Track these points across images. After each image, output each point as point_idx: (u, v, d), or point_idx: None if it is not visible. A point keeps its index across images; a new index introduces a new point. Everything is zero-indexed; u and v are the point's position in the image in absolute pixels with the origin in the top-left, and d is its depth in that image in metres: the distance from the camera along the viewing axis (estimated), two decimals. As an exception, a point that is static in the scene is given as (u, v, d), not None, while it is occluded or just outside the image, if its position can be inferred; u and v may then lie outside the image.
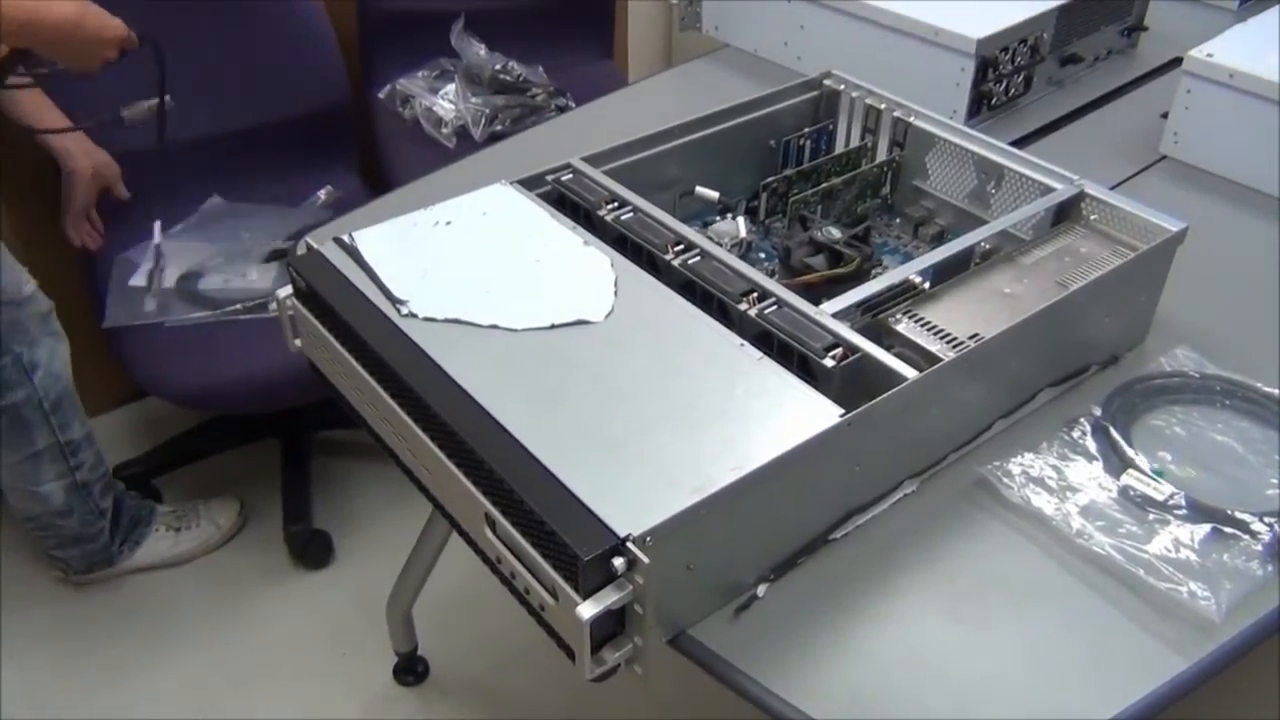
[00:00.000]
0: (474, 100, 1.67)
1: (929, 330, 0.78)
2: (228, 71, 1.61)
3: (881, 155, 1.05)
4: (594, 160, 0.94)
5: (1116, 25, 1.36)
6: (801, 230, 0.95)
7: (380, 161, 1.74)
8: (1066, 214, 0.91)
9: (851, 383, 0.72)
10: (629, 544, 0.59)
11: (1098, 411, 0.82)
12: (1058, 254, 0.87)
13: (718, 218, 1.02)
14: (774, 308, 0.77)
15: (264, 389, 1.45)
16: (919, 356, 0.77)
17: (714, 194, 1.01)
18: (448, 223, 0.86)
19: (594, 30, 1.93)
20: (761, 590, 0.70)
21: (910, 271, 0.82)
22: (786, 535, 0.71)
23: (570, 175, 0.92)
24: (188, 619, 1.58)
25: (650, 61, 2.33)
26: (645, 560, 0.59)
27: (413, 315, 0.76)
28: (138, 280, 1.53)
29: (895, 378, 0.71)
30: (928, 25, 1.19)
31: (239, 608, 1.59)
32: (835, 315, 0.76)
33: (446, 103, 1.68)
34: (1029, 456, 0.79)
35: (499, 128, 1.67)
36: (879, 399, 0.69)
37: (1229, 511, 0.73)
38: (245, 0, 1.60)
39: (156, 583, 1.62)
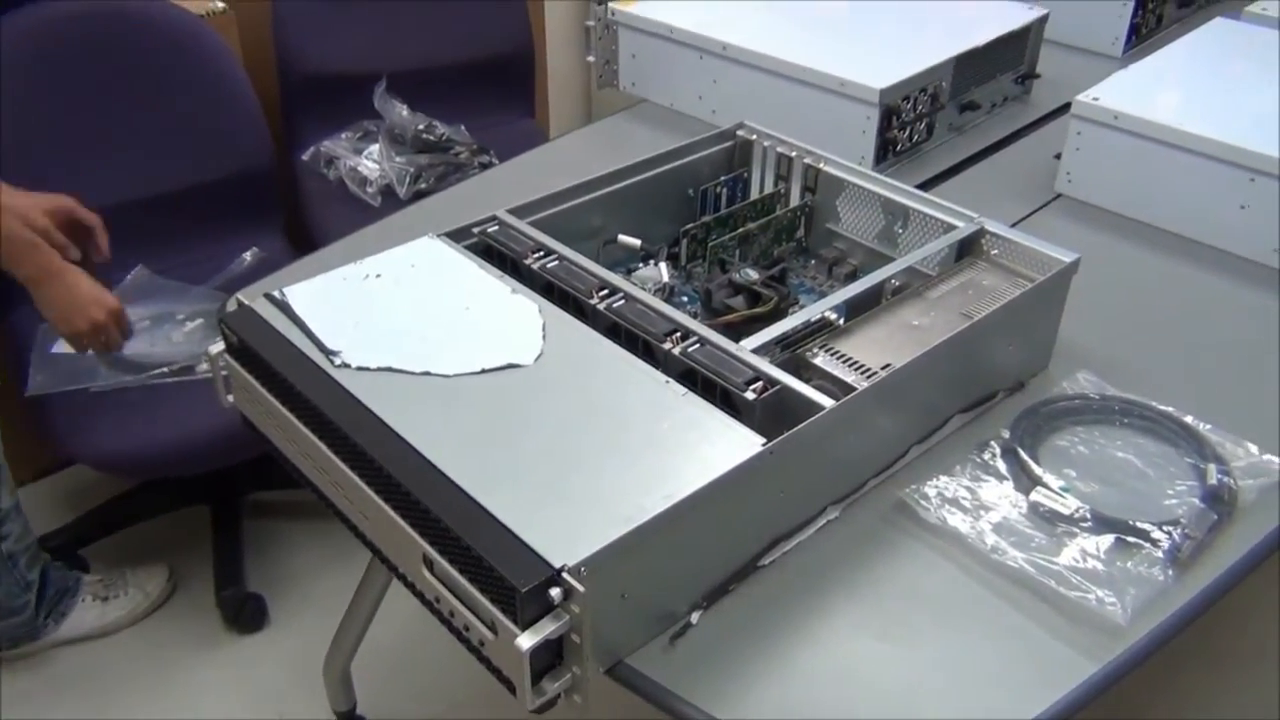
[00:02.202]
0: (398, 160, 1.69)
1: (844, 362, 0.82)
2: (150, 136, 1.62)
3: (795, 200, 1.10)
4: (519, 212, 0.97)
5: (1011, 74, 1.44)
6: (721, 273, 0.99)
7: (306, 223, 1.75)
8: (969, 250, 0.97)
9: (772, 414, 0.76)
10: (564, 574, 0.61)
11: (1006, 434, 0.86)
12: (962, 287, 0.92)
13: (640, 264, 1.05)
14: (697, 346, 0.80)
15: (193, 451, 1.45)
16: (835, 387, 0.80)
17: (636, 241, 1.05)
18: (377, 275, 0.88)
19: (515, 89, 1.98)
20: (695, 617, 0.72)
21: (824, 308, 0.86)
22: (717, 563, 0.74)
23: (496, 227, 0.95)
24: (119, 691, 1.54)
25: (571, 118, 2.38)
26: (580, 589, 0.61)
27: (346, 365, 0.78)
28: (60, 347, 1.52)
29: (813, 407, 0.74)
30: (833, 77, 1.25)
31: (172, 677, 1.56)
32: (755, 351, 0.80)
33: (370, 163, 1.70)
34: (944, 479, 0.82)
35: (423, 185, 1.70)
36: (798, 427, 0.72)
37: (1131, 522, 0.78)
38: (167, 66, 1.61)
39: (85, 654, 1.59)
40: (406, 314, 0.84)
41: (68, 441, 1.44)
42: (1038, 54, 1.46)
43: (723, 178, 1.11)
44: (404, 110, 1.79)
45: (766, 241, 1.07)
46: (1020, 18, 1.40)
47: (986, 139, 1.38)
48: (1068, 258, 0.91)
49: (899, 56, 1.28)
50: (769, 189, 1.11)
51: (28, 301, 1.37)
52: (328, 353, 0.79)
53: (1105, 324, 1.02)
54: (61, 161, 1.55)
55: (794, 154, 1.09)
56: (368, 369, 0.77)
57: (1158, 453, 0.86)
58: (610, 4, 1.46)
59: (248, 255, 1.68)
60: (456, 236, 0.94)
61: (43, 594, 1.51)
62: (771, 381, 0.76)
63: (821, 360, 0.82)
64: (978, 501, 0.81)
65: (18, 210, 1.27)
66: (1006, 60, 1.41)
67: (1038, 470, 0.82)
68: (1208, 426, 0.88)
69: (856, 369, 0.81)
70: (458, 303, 0.85)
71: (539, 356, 0.79)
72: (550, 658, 0.65)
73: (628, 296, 0.85)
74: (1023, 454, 0.84)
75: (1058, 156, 1.24)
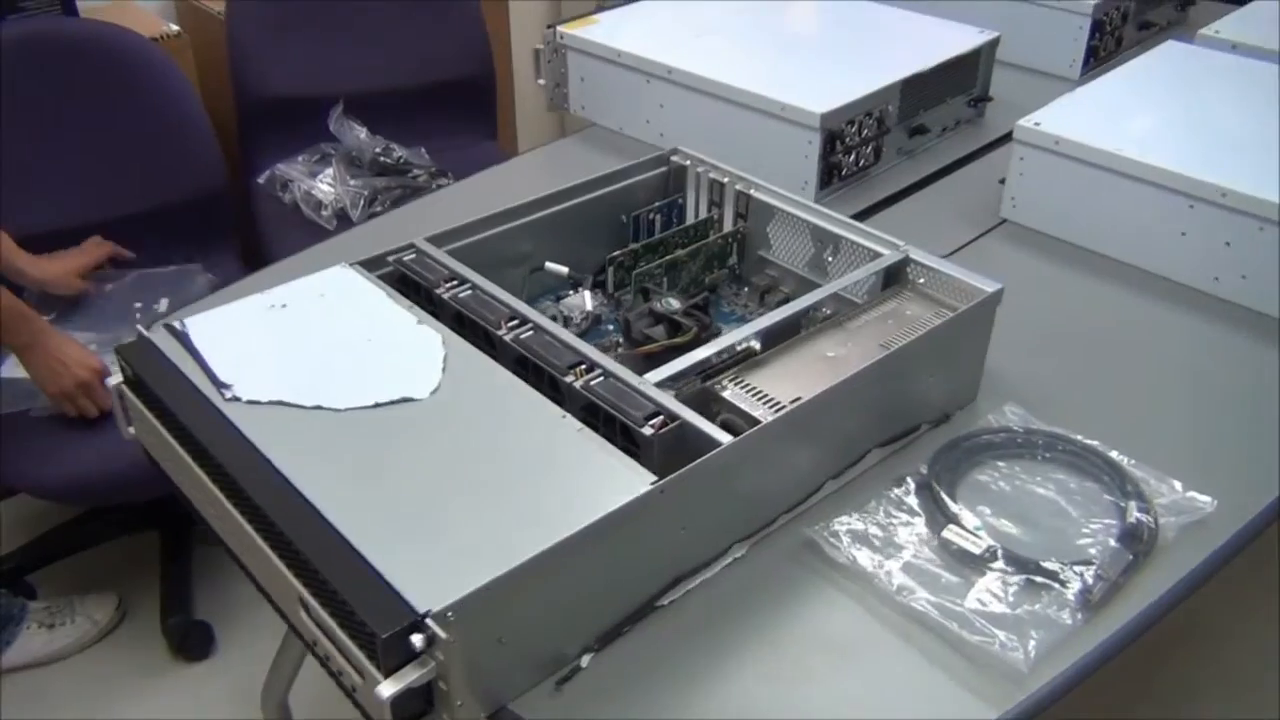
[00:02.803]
0: (353, 182, 1.68)
1: (754, 395, 0.80)
2: (102, 160, 1.61)
3: (728, 226, 1.08)
4: (439, 239, 0.95)
5: (963, 97, 1.42)
6: (644, 302, 0.97)
7: (261, 246, 1.74)
8: (895, 279, 0.95)
9: (673, 450, 0.74)
10: (428, 620, 0.59)
11: (924, 470, 0.84)
12: (883, 317, 0.90)
13: (570, 292, 1.04)
14: (600, 379, 0.78)
15: (137, 478, 1.42)
16: (744, 421, 0.78)
17: (563, 269, 1.03)
18: (283, 306, 0.86)
19: (477, 112, 1.97)
20: (585, 660, 0.70)
21: (737, 338, 0.84)
22: (610, 604, 0.71)
23: (413, 255, 0.93)
24: (64, 718, 1.52)
25: (541, 139, 2.36)
26: (444, 636, 0.59)
27: (236, 399, 0.76)
28: (9, 371, 1.50)
29: (710, 443, 0.72)
30: (775, 101, 1.23)
31: (117, 706, 1.54)
32: (658, 384, 0.78)
33: (325, 185, 1.69)
34: (856, 517, 0.80)
35: (379, 209, 1.69)
36: (691, 465, 0.70)
37: (1039, 562, 0.76)
38: (117, 89, 1.60)
39: (31, 682, 1.57)
40: (307, 346, 0.82)
41: (6, 469, 1.42)
42: (989, 77, 1.44)
43: (656, 203, 1.10)
44: (361, 133, 1.78)
45: (696, 269, 1.05)
46: (969, 41, 1.39)
47: (937, 163, 1.36)
48: (990, 287, 0.89)
49: (843, 80, 1.27)
50: (703, 215, 1.10)
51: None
52: (220, 385, 0.77)
53: (1039, 354, 1.00)
54: (11, 184, 1.53)
55: (726, 179, 1.07)
56: (259, 403, 0.76)
57: (1080, 490, 0.84)
58: (559, 27, 1.45)
59: (201, 279, 1.67)
60: (371, 265, 0.92)
61: (-15, 621, 1.49)
62: (672, 416, 0.74)
63: (730, 393, 0.80)
64: (889, 540, 0.79)
65: (49, 279, 1.46)
66: (957, 83, 1.40)
67: (953, 507, 0.80)
68: (1133, 462, 0.85)
69: (766, 402, 0.79)
70: (360, 335, 0.83)
71: (435, 390, 0.77)
72: (421, 704, 0.63)
73: (537, 328, 0.84)
74: (937, 490, 0.82)
75: (1002, 181, 1.23)
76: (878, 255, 0.95)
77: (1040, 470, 0.86)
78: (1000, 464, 0.87)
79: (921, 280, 0.94)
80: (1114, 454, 0.86)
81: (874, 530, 0.79)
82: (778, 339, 0.87)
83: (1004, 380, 0.95)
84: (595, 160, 1.39)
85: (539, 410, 0.76)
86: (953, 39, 1.40)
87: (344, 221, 1.70)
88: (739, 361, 0.84)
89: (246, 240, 1.76)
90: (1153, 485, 0.84)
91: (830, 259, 1.00)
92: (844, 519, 0.80)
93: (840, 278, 0.93)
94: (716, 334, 0.96)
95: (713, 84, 1.28)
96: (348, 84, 1.82)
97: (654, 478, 0.69)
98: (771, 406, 0.79)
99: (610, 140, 1.44)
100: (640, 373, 0.78)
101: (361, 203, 1.66)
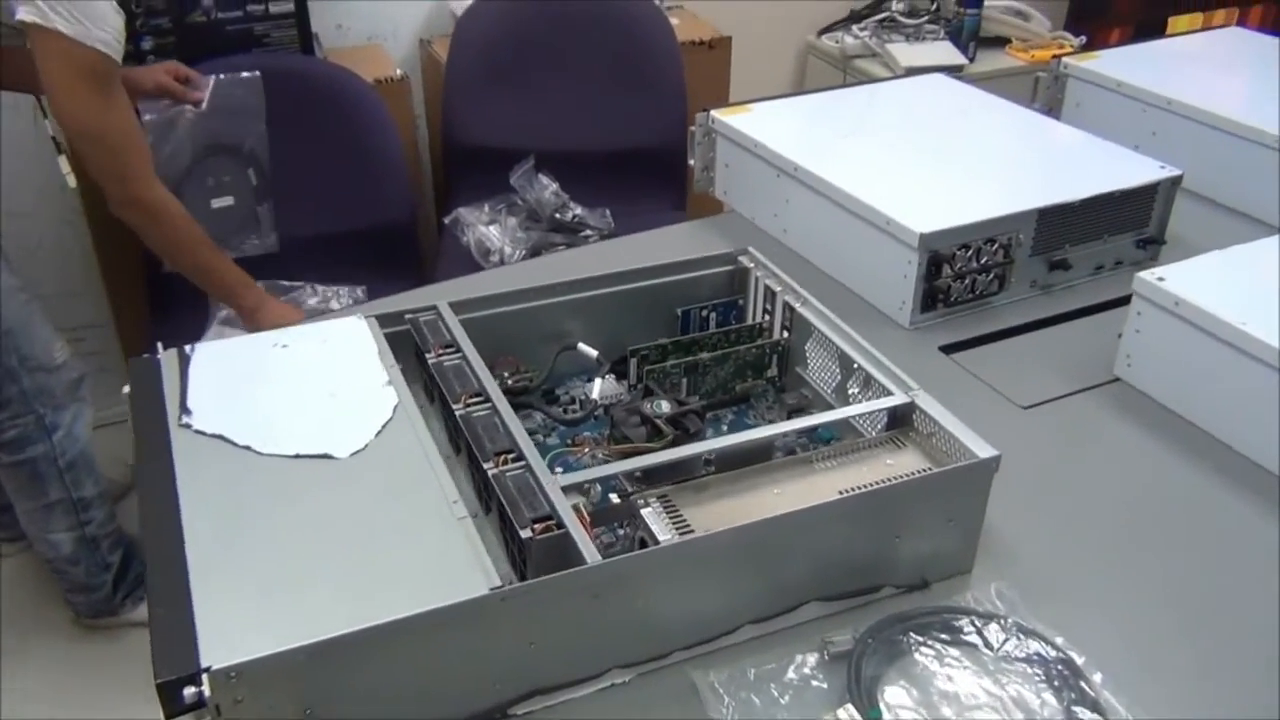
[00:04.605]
0: (521, 234, 1.75)
1: (674, 518, 0.76)
2: (305, 185, 1.77)
3: (777, 336, 1.04)
4: (463, 306, 0.98)
5: (1132, 235, 1.29)
6: (645, 399, 0.95)
7: (432, 280, 1.85)
8: (901, 421, 0.87)
9: (553, 557, 0.72)
10: (204, 675, 0.61)
11: (848, 637, 0.76)
12: (861, 461, 0.83)
13: (601, 378, 1.03)
14: (518, 471, 0.77)
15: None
16: (653, 543, 0.75)
17: (593, 352, 1.02)
18: (284, 346, 0.92)
19: (670, 182, 2.00)
20: (408, 752, 0.69)
21: (684, 454, 0.81)
22: (446, 700, 0.70)
23: (432, 315, 0.97)
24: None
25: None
26: (210, 694, 0.60)
27: (188, 426, 0.81)
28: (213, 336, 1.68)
29: (578, 558, 0.70)
30: (880, 213, 1.17)
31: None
32: (566, 488, 0.76)
33: (497, 232, 1.77)
34: (753, 673, 0.74)
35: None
36: (542, 579, 0.68)
37: (917, 772, 0.67)
38: (333, 123, 1.77)
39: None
40: (280, 389, 0.86)
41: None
42: (1166, 217, 1.29)
43: (713, 301, 1.07)
44: (550, 190, 1.86)
45: (725, 375, 1.01)
46: (1143, 175, 1.26)
47: (1076, 302, 1.24)
48: (984, 453, 0.80)
49: (969, 200, 1.18)
50: (758, 320, 1.06)
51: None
52: (184, 411, 0.83)
53: (1088, 536, 0.89)
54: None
55: (779, 289, 1.03)
56: (204, 434, 0.81)
57: (1033, 699, 0.73)
58: (712, 112, 1.45)
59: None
60: (389, 320, 0.96)
61: (124, 576, 1.66)
62: (559, 523, 0.72)
63: (650, 512, 0.77)
64: (778, 706, 0.72)
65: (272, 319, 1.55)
66: (1122, 220, 1.27)
67: (856, 688, 0.72)
68: (1102, 677, 0.74)
69: (681, 528, 0.75)
70: (329, 386, 0.86)
71: (356, 452, 0.79)
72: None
73: (494, 409, 0.84)
74: (856, 664, 0.74)
75: (1121, 334, 1.10)
76: (888, 394, 0.88)
77: (995, 666, 0.76)
78: (951, 650, 0.77)
79: (925, 429, 0.86)
80: (1098, 677, 0.74)
81: (770, 692, 0.73)
82: (736, 463, 0.83)
83: (1026, 556, 0.85)
84: (716, 244, 1.37)
85: (433, 491, 0.76)
86: (1124, 171, 1.27)
87: (511, 270, 1.78)
88: (687, 479, 0.81)
89: (425, 273, 1.88)
90: (1114, 709, 0.72)
91: (854, 390, 0.94)
92: (745, 673, 0.74)
93: (825, 413, 0.87)
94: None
95: (829, 186, 1.24)
96: (547, 140, 1.91)
97: (498, 582, 0.67)
98: (684, 533, 0.75)
99: (740, 229, 1.41)
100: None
101: (521, 253, 1.72)
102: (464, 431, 0.81)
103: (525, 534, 0.71)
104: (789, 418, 1.00)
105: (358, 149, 1.77)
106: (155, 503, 0.74)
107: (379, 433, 0.81)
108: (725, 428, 0.99)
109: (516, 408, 0.98)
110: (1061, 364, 1.13)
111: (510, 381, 0.98)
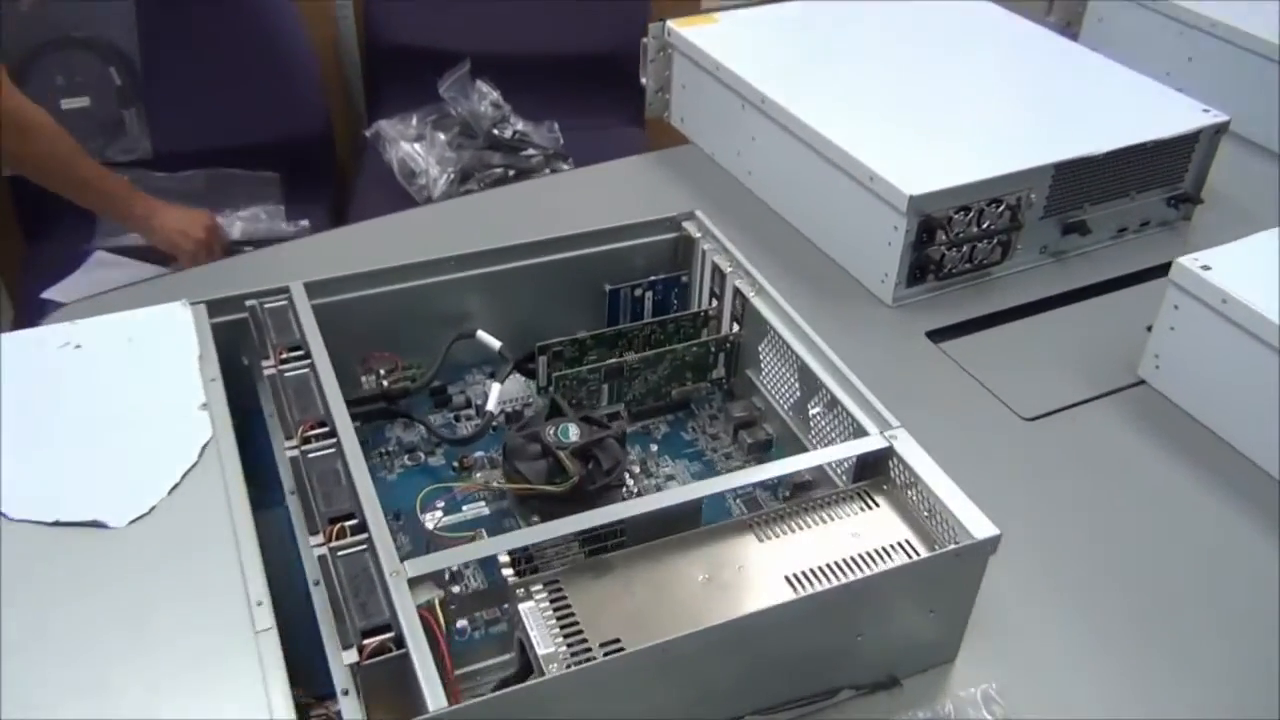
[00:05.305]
0: (451, 154, 1.51)
1: (560, 620, 0.57)
2: (207, 91, 1.53)
3: (724, 330, 0.83)
4: (322, 287, 0.76)
5: (1160, 192, 1.07)
6: (553, 417, 0.74)
7: (349, 203, 1.62)
8: (875, 470, 0.67)
9: (386, 685, 0.52)
10: None
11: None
12: (816, 525, 0.63)
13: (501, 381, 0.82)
14: (359, 550, 0.57)
15: None
16: (529, 656, 0.55)
17: (496, 343, 0.81)
18: (77, 346, 0.70)
19: (627, 93, 1.74)
20: None
21: (580, 526, 0.61)
22: None
23: (282, 302, 0.75)
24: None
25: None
26: None
27: (-79, 468, 0.61)
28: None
29: (419, 698, 0.50)
30: (865, 167, 0.95)
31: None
32: (414, 581, 0.56)
33: (423, 152, 1.53)
34: (663, 825, 0.56)
35: (473, 187, 1.52)
36: (358, 738, 0.49)
37: None
38: (228, 20, 1.51)
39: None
40: (60, 413, 0.65)
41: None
42: (1206, 170, 1.08)
43: (650, 279, 0.86)
44: (488, 100, 1.61)
45: (657, 379, 0.81)
46: (1183, 121, 1.04)
47: (1095, 274, 1.03)
48: (982, 533, 0.60)
49: (974, 153, 0.97)
50: (704, 306, 0.85)
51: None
52: (-78, 443, 0.62)
53: (1100, 596, 0.70)
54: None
55: (729, 269, 0.82)
56: (-60, 480, 0.60)
57: None
58: (669, 23, 1.21)
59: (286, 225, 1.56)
60: (224, 308, 0.75)
61: None
62: (399, 641, 0.53)
63: (529, 608, 0.57)
64: None
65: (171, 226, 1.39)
66: (1154, 175, 1.05)
67: None
68: None
69: (570, 635, 0.56)
70: (126, 410, 0.65)
71: (138, 519, 0.59)
72: None
73: (339, 448, 0.63)
74: (798, 819, 0.56)
75: (1150, 329, 0.90)
76: (862, 433, 0.68)
77: (980, 818, 0.58)
78: (925, 790, 0.59)
79: (902, 481, 0.66)
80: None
81: None
82: (659, 530, 0.63)
83: (1026, 634, 0.68)
84: (668, 188, 1.15)
85: (229, 585, 0.55)
86: (1159, 114, 1.05)
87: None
88: (601, 542, 0.61)
89: (340, 193, 1.65)
90: None
91: (817, 410, 0.74)
92: (643, 826, 0.56)
93: (774, 463, 0.67)
94: (618, 485, 0.72)
95: (801, 126, 1.01)
96: (485, 40, 1.65)
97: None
98: (574, 647, 0.55)
99: (699, 166, 1.19)
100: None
101: (449, 178, 1.49)
102: (303, 484, 0.61)
103: (347, 656, 0.52)
104: (735, 434, 0.80)
105: (256, 47, 1.51)
106: None
107: (174, 487, 0.60)
108: (655, 446, 0.79)
109: (393, 416, 0.79)
110: (1074, 359, 0.93)
111: (386, 383, 0.77)
